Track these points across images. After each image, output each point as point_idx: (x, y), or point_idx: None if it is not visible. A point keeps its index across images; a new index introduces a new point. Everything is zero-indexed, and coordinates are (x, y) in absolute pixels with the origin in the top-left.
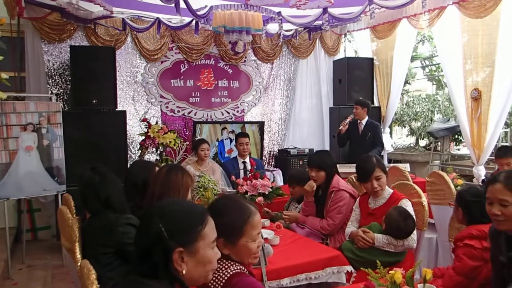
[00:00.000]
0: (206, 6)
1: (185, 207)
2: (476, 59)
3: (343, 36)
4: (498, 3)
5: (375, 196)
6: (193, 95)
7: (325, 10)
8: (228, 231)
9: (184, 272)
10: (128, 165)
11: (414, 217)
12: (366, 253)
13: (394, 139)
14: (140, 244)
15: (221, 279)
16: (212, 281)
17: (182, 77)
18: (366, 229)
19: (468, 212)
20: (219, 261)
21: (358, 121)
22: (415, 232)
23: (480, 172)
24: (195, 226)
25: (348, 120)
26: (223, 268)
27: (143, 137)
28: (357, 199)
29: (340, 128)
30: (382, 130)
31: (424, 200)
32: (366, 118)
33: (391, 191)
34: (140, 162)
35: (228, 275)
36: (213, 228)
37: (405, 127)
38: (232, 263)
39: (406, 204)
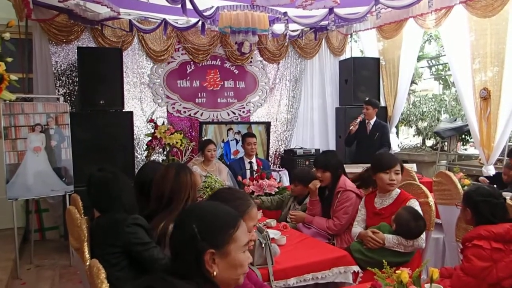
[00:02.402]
0: (212, 7)
1: (219, 210)
2: (484, 58)
3: (349, 36)
4: (506, 3)
5: (386, 191)
6: (199, 95)
7: (331, 10)
8: None
9: (215, 273)
10: (135, 166)
11: (420, 212)
12: (376, 253)
13: (400, 139)
14: (174, 244)
15: None
16: None
17: (188, 77)
18: (375, 230)
19: (477, 213)
20: None
21: (367, 121)
22: (424, 232)
23: (490, 171)
24: (227, 229)
25: (358, 120)
26: None
27: (150, 138)
28: (363, 199)
29: (350, 128)
30: (389, 129)
31: (431, 200)
32: (375, 118)
33: (399, 191)
34: (152, 164)
35: None
36: (245, 231)
37: (411, 127)
38: None
39: (415, 204)
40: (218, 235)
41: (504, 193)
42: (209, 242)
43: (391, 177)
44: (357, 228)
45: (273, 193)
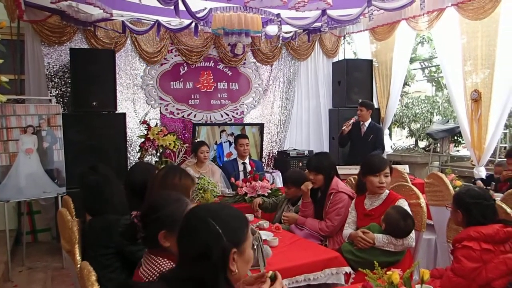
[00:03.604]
0: (205, 8)
1: (230, 210)
2: (475, 60)
3: (342, 38)
4: (497, 5)
5: (376, 193)
6: (193, 97)
7: (324, 12)
8: (170, 222)
9: (236, 271)
10: (128, 167)
11: (409, 211)
12: (366, 253)
13: (393, 140)
14: (195, 248)
15: (153, 275)
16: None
17: (181, 79)
18: (365, 230)
19: (468, 214)
20: (153, 257)
21: (361, 122)
22: (413, 231)
23: (481, 173)
24: (243, 227)
25: (352, 121)
26: (156, 265)
27: (143, 139)
28: (353, 201)
29: (343, 128)
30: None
31: (423, 201)
32: (369, 120)
33: (388, 191)
34: (141, 164)
35: (160, 272)
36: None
37: (404, 128)
38: (166, 260)
39: (404, 204)
40: (238, 234)
41: (495, 194)
42: (232, 241)
43: (381, 180)
44: (348, 230)
45: (266, 194)
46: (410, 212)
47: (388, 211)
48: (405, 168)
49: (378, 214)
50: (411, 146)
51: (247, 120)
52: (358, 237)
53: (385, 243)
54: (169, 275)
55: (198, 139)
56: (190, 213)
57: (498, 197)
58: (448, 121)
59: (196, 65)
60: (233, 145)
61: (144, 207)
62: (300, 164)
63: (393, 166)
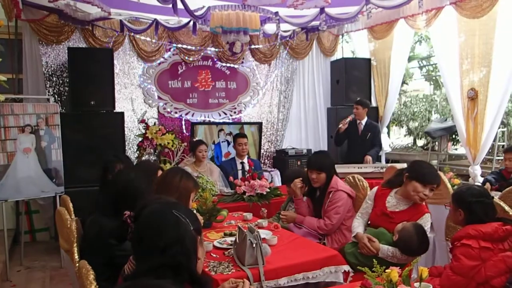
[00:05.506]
0: (203, 7)
1: (183, 205)
2: (472, 59)
3: (340, 36)
4: (494, 3)
5: (409, 199)
6: (191, 96)
7: (322, 10)
8: None
9: (201, 258)
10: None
11: (429, 231)
12: (368, 260)
13: (392, 139)
14: (165, 239)
15: None
16: None
17: (179, 78)
18: (372, 238)
19: (470, 213)
20: None
21: (358, 121)
22: None
23: (476, 171)
24: (197, 219)
25: (348, 119)
26: None
27: (141, 138)
28: (373, 191)
29: (339, 126)
30: (380, 130)
31: None
32: (366, 118)
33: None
34: (143, 163)
35: None
36: None
37: (402, 127)
38: None
39: (427, 220)
40: (197, 224)
41: (492, 193)
42: (196, 230)
43: (425, 192)
44: (359, 221)
45: (265, 193)
46: (429, 230)
47: (408, 228)
48: (403, 167)
49: (398, 220)
50: (409, 145)
51: (245, 119)
52: (362, 243)
53: (389, 256)
54: (138, 271)
55: (196, 138)
56: (150, 210)
57: (496, 194)
58: (446, 120)
59: (194, 64)
60: (231, 144)
61: (138, 207)
62: (299, 162)
63: (391, 164)
